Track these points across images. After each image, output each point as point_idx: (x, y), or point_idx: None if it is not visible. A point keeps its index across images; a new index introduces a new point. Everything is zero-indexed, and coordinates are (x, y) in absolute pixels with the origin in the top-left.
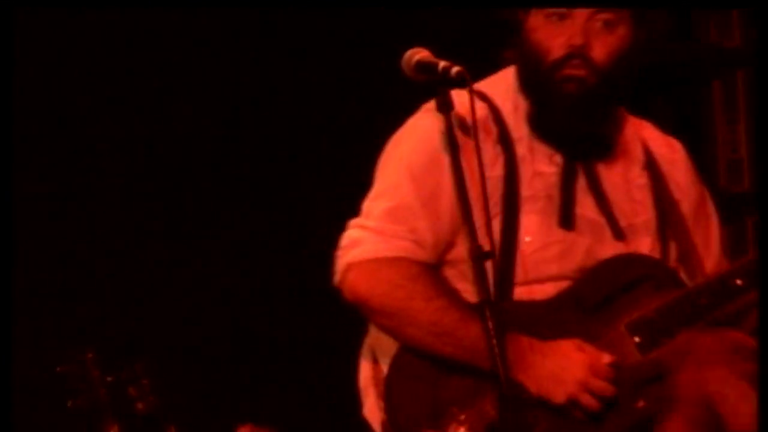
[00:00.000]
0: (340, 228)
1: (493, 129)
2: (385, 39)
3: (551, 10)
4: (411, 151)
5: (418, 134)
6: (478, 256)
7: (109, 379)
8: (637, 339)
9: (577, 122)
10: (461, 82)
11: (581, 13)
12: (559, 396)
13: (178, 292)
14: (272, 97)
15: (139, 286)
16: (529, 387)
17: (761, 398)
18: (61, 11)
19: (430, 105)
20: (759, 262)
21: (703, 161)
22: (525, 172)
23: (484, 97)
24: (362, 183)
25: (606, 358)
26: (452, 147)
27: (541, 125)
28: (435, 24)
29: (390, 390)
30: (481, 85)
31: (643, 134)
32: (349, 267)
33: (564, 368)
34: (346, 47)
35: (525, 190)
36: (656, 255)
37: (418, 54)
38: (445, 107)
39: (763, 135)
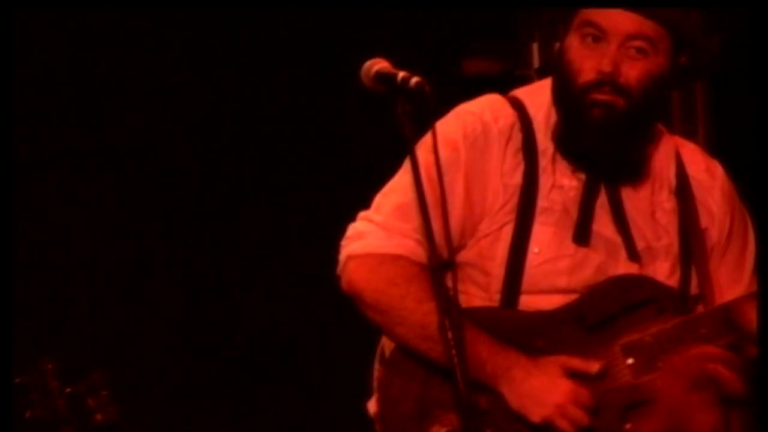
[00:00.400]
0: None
1: (518, 137)
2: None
3: (588, 31)
4: (430, 151)
5: (443, 135)
6: (435, 267)
7: (67, 389)
8: (630, 361)
9: (602, 146)
10: (420, 93)
11: (615, 39)
12: (535, 416)
13: (137, 301)
14: (271, 98)
15: (98, 296)
16: (509, 401)
17: (761, 398)
18: (61, 11)
19: (469, 105)
20: (759, 262)
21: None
22: (545, 183)
23: (517, 104)
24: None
25: (594, 367)
26: (437, 158)
27: (567, 143)
28: (398, 34)
29: (382, 385)
30: (521, 92)
31: (682, 156)
32: (350, 258)
33: (545, 390)
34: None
35: (542, 201)
36: (674, 280)
37: (377, 65)
38: (404, 117)
39: (763, 135)
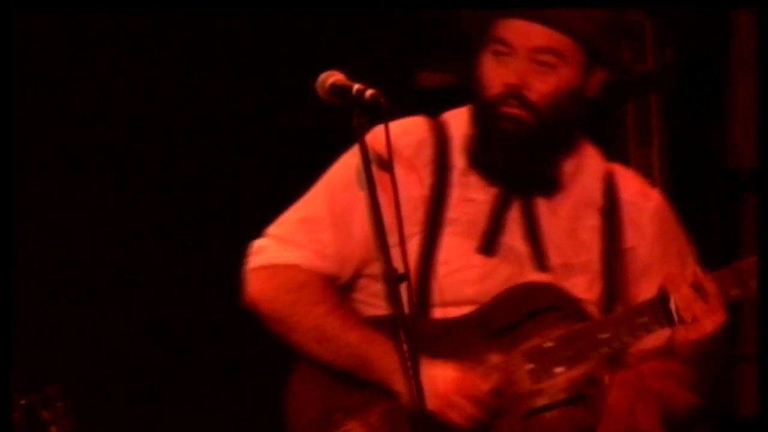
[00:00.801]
0: None
1: (427, 152)
2: None
3: (496, 47)
4: (336, 167)
5: (349, 153)
6: (391, 279)
7: (22, 401)
8: (530, 366)
9: (512, 159)
10: (375, 106)
11: (521, 52)
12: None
13: (92, 313)
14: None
15: (53, 307)
16: (403, 398)
17: (762, 398)
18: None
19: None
20: (759, 263)
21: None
22: (454, 196)
23: (438, 124)
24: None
25: (485, 386)
26: (369, 168)
27: (478, 156)
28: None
29: (289, 395)
30: (449, 113)
31: (616, 179)
32: (248, 273)
33: (432, 382)
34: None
35: (450, 213)
36: (594, 295)
37: (332, 77)
38: (360, 129)
39: (763, 137)
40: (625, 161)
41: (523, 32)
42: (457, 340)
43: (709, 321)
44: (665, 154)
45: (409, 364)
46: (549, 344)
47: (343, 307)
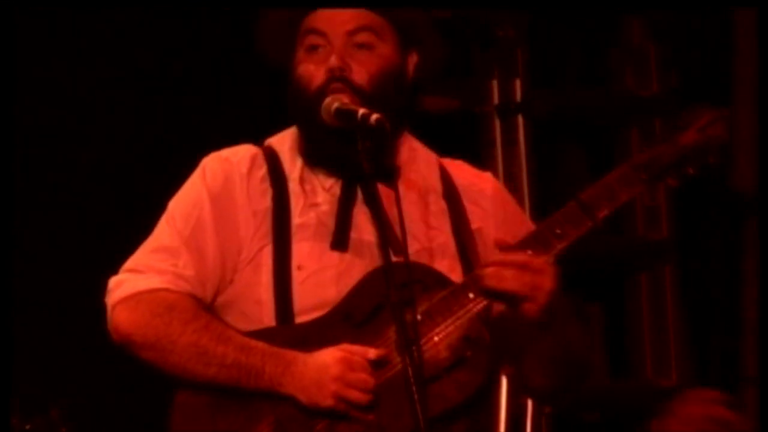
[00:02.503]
0: None
1: (262, 166)
2: None
3: (310, 40)
4: (177, 197)
5: (188, 181)
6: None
7: (27, 426)
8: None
9: (346, 146)
10: (380, 130)
11: (337, 37)
12: (324, 399)
13: (95, 337)
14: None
15: (56, 332)
16: (300, 399)
17: (762, 398)
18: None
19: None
20: (761, 264)
21: (619, 209)
22: (296, 204)
23: (262, 145)
24: None
25: (371, 353)
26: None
27: (312, 153)
28: None
29: (173, 422)
30: (272, 137)
31: (447, 168)
32: (113, 308)
33: (322, 370)
34: None
35: (296, 220)
36: (456, 276)
37: (337, 101)
38: (364, 153)
39: (764, 140)
40: None
41: (336, 18)
42: (326, 337)
43: (547, 280)
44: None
45: (414, 389)
46: (418, 317)
47: (216, 321)
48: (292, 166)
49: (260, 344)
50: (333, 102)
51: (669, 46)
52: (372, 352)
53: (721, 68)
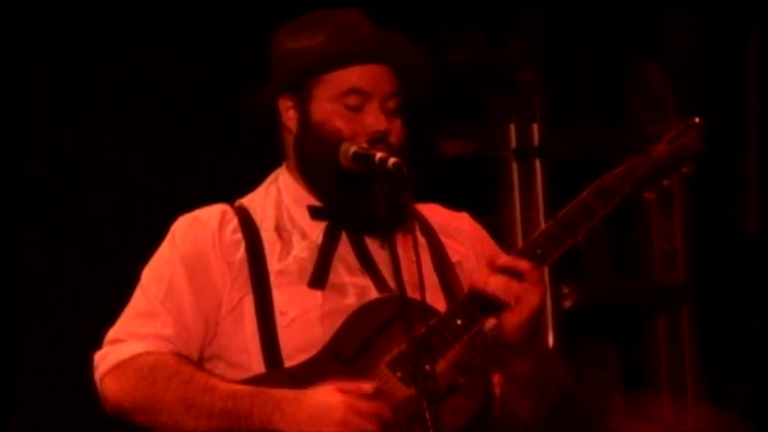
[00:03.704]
0: None
1: (232, 220)
2: None
3: (352, 99)
4: (151, 263)
5: (161, 247)
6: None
7: None
8: (399, 374)
9: (363, 189)
10: (397, 174)
11: (377, 99)
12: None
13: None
14: None
15: (58, 357)
16: None
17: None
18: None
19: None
20: (761, 267)
21: (637, 252)
22: (273, 251)
23: (231, 203)
24: None
25: (366, 387)
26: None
27: (325, 197)
28: None
29: None
30: (243, 198)
31: (421, 210)
32: (101, 382)
33: (323, 410)
34: None
35: (275, 266)
36: (441, 308)
37: (354, 145)
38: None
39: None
40: (648, 230)
41: (377, 79)
42: (318, 377)
43: (533, 294)
44: (686, 222)
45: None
46: (408, 349)
47: (200, 373)
48: (264, 216)
49: (246, 388)
50: (351, 146)
51: (687, 89)
52: (366, 386)
53: (737, 111)
